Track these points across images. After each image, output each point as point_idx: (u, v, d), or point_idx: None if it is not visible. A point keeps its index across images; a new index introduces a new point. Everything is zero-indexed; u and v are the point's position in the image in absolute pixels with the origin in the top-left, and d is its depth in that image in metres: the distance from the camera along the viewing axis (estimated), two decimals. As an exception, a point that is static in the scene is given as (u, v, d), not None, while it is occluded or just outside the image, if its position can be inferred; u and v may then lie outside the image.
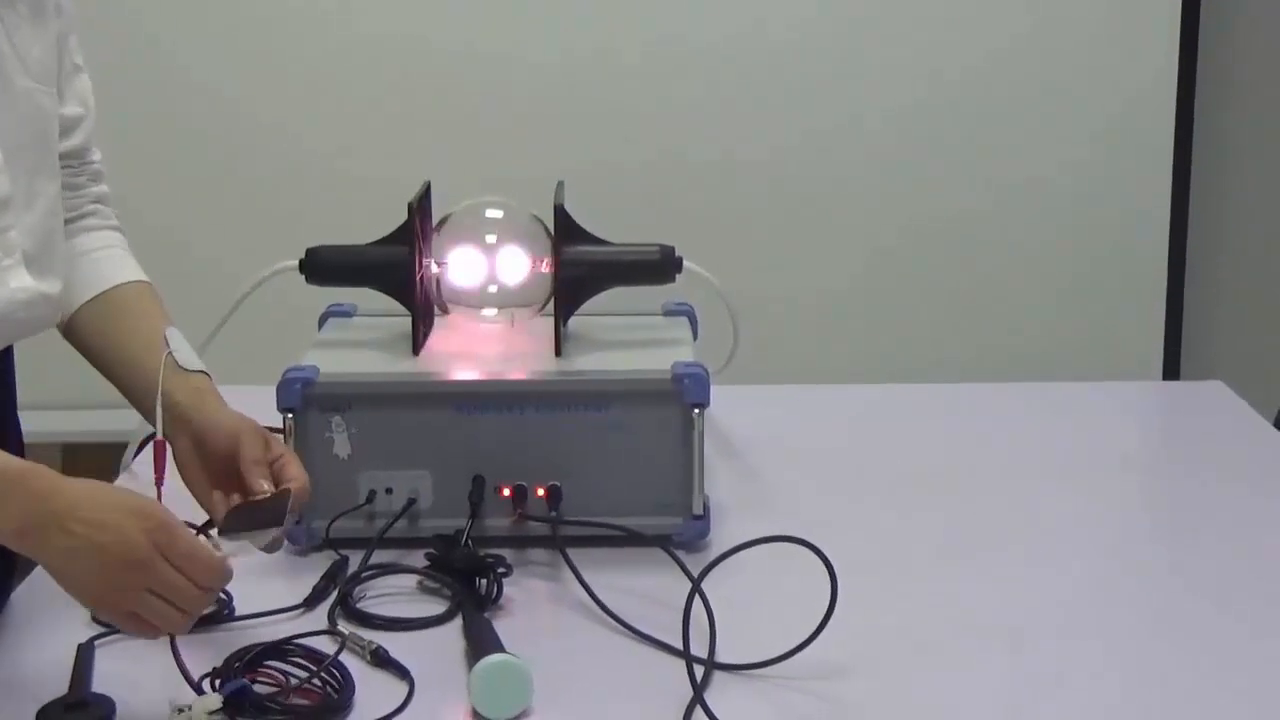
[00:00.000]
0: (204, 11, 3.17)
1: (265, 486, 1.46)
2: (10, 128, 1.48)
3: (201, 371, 1.56)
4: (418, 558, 1.64)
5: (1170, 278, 3.30)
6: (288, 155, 3.21)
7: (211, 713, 1.31)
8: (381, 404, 1.69)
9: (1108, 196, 3.27)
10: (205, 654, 1.42)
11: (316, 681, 1.38)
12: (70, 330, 1.62)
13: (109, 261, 1.65)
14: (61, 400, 2.74)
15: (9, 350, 1.66)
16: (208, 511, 1.49)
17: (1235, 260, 3.40)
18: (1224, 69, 3.32)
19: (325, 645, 1.45)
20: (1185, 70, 3.24)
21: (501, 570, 1.59)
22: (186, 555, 1.29)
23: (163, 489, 1.43)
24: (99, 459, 2.08)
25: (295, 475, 1.48)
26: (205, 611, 1.51)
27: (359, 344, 1.83)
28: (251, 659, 1.41)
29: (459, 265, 1.81)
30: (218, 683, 1.35)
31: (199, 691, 1.34)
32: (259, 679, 1.38)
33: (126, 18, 3.10)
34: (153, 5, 3.16)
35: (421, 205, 1.81)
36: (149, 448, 1.53)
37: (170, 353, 1.54)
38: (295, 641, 1.44)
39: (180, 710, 1.31)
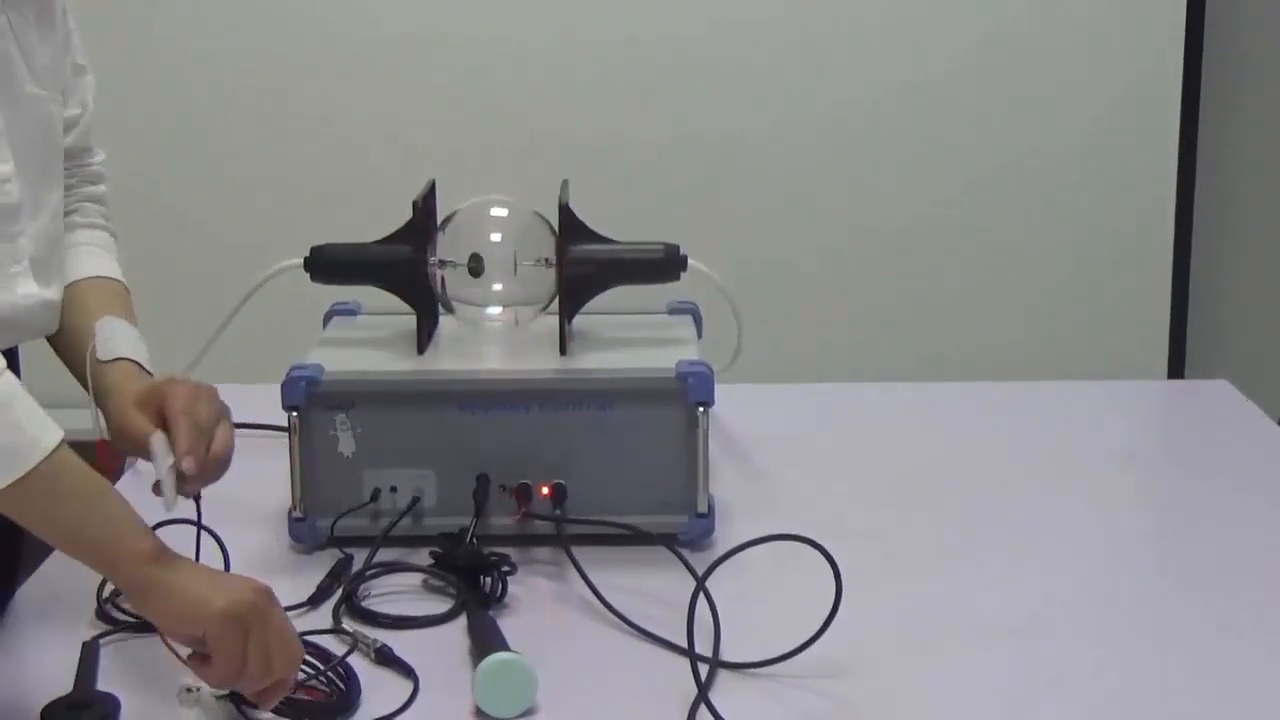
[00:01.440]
0: (208, 11, 3.17)
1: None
2: (20, 136, 1.48)
3: (125, 359, 1.52)
4: (422, 556, 1.64)
5: (1175, 276, 3.30)
6: (292, 154, 3.21)
7: (219, 696, 1.32)
8: (386, 402, 1.69)
9: (1113, 195, 3.27)
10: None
11: (321, 681, 1.38)
12: None
13: (72, 258, 1.62)
14: (64, 399, 2.73)
15: (14, 350, 1.66)
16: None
17: (1240, 258, 3.41)
18: (1230, 67, 3.32)
19: (330, 643, 1.45)
20: (1190, 67, 3.24)
21: (506, 569, 1.59)
22: (289, 625, 1.32)
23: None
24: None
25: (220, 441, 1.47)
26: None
27: (363, 342, 1.83)
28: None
29: (463, 263, 1.81)
30: None
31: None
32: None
33: (130, 16, 3.11)
34: (157, 5, 3.17)
35: (426, 203, 1.81)
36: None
37: (93, 345, 1.52)
38: (301, 639, 1.44)
39: (189, 690, 1.32)
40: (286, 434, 1.68)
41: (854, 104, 3.23)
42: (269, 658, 1.28)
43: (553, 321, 1.80)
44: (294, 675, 1.32)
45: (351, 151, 3.20)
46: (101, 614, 1.52)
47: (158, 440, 1.31)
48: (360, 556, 1.64)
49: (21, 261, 1.49)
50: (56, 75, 1.55)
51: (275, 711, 1.34)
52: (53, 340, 1.59)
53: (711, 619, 1.46)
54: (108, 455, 1.49)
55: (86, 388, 1.52)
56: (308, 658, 1.41)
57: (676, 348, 1.79)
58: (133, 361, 1.53)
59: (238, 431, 1.94)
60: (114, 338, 1.53)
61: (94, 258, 1.65)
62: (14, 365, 1.69)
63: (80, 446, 1.73)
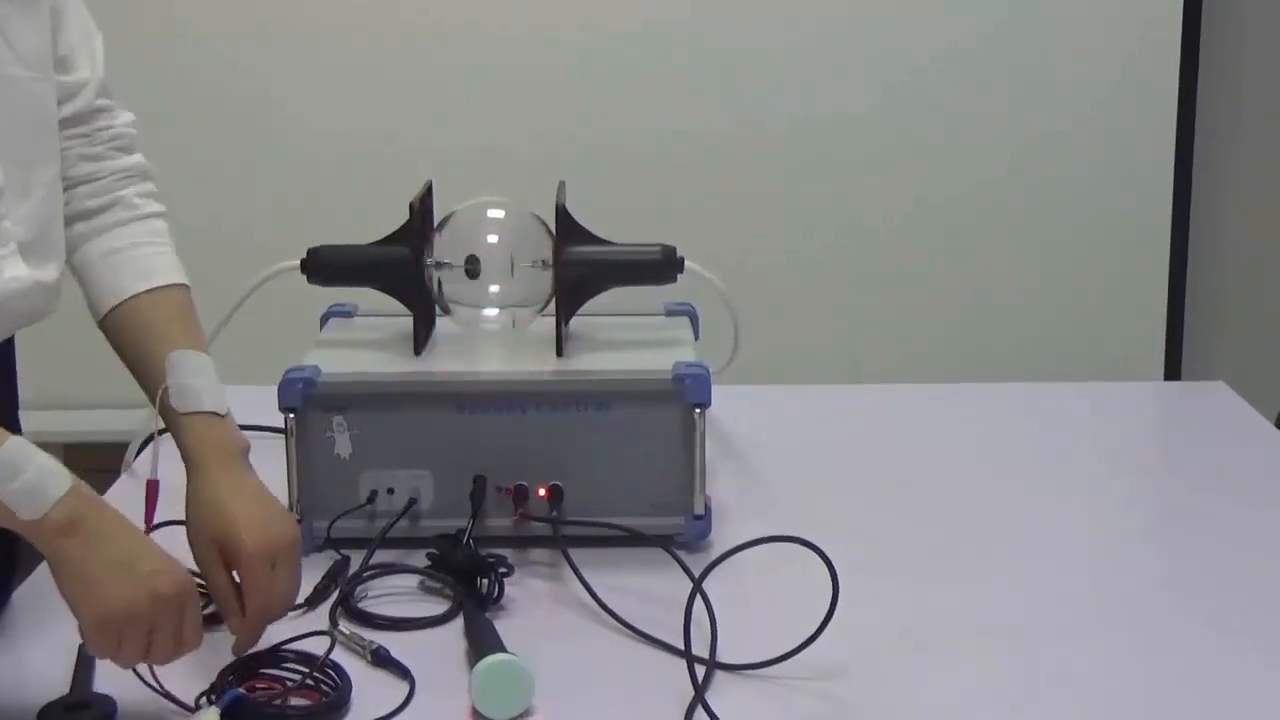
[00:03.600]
0: (204, 11, 3.17)
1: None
2: (3, 117, 1.47)
3: (201, 414, 1.48)
4: (419, 558, 1.64)
5: (1172, 278, 3.30)
6: (289, 155, 3.21)
7: None
8: (383, 404, 1.69)
9: (1109, 196, 3.27)
10: (207, 653, 1.41)
11: (312, 682, 1.38)
12: (106, 334, 1.59)
13: (124, 267, 1.58)
14: (64, 400, 2.74)
15: (11, 349, 1.66)
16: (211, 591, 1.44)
17: (1237, 260, 3.41)
18: (1227, 68, 3.32)
19: (325, 646, 1.44)
20: (1187, 68, 3.24)
21: (503, 570, 1.59)
22: (194, 624, 1.32)
23: (150, 531, 1.42)
24: (101, 458, 2.08)
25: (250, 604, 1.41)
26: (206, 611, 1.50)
27: (360, 344, 1.83)
28: (245, 669, 1.40)
29: (460, 265, 1.81)
30: (213, 696, 1.34)
31: (194, 709, 1.34)
32: (257, 686, 1.38)
33: (125, 17, 3.10)
34: (152, 5, 3.16)
35: (423, 205, 1.81)
36: (150, 447, 1.51)
37: (164, 388, 1.49)
38: (286, 648, 1.43)
39: None
40: (283, 435, 1.68)
41: (851, 106, 3.22)
42: (146, 653, 1.30)
43: (550, 323, 1.80)
44: (179, 658, 1.32)
45: (348, 153, 3.20)
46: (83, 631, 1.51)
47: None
48: (357, 558, 1.64)
49: (8, 244, 1.47)
50: (43, 56, 1.53)
51: (265, 716, 1.34)
52: (123, 358, 1.56)
53: (708, 620, 1.46)
54: (155, 494, 1.49)
55: (162, 423, 1.50)
56: (294, 664, 1.41)
57: (673, 349, 1.79)
58: (210, 414, 1.49)
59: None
60: (187, 384, 1.49)
61: (149, 260, 1.59)
62: (10, 359, 1.69)
63: (101, 447, 1.70)
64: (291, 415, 1.67)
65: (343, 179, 3.19)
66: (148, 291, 1.57)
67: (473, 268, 1.80)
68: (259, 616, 1.41)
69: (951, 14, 3.20)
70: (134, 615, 1.27)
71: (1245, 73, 3.34)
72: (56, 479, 1.28)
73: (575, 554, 1.61)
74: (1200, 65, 3.26)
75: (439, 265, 1.80)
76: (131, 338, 1.55)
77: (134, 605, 1.27)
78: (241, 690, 1.34)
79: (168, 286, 1.58)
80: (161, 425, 1.50)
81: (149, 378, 1.52)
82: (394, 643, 1.47)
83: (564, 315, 1.79)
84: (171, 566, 1.31)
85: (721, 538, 1.68)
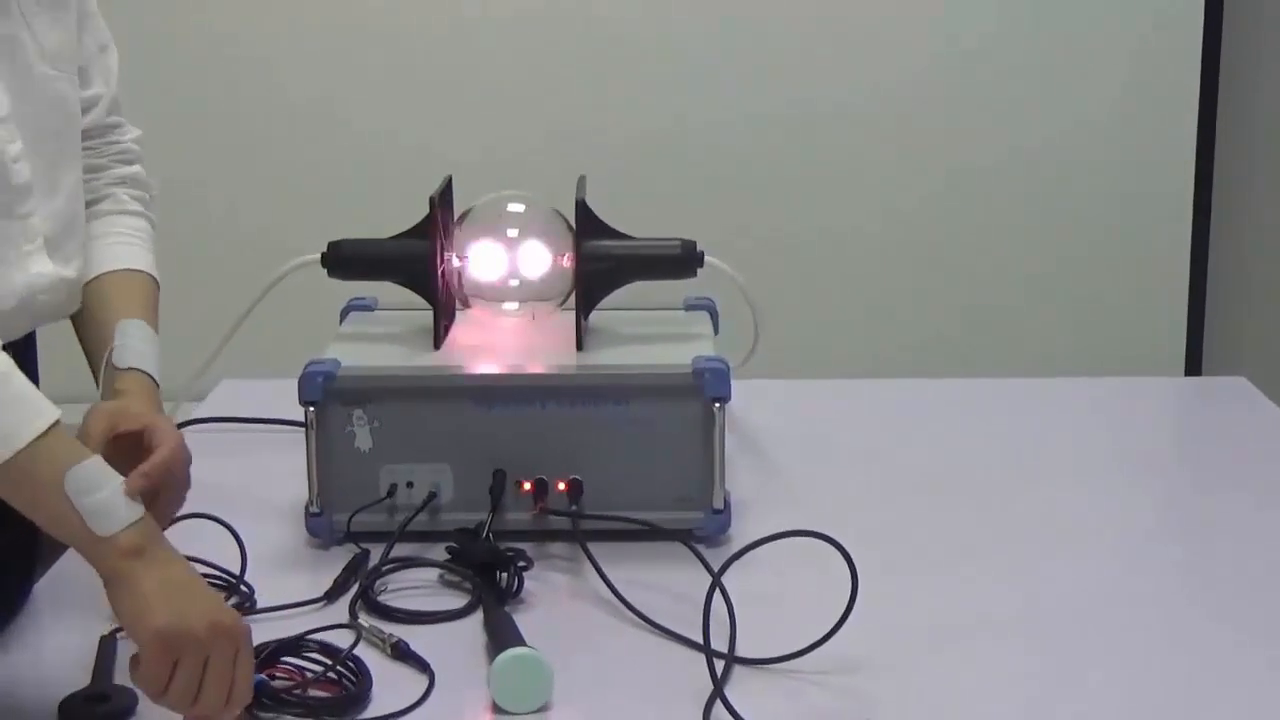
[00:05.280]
0: (226, 8, 3.17)
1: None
2: (30, 115, 1.48)
3: (136, 370, 1.51)
4: (439, 551, 1.64)
5: (1193, 272, 3.30)
6: (310, 149, 3.22)
7: None
8: (403, 397, 1.69)
9: (1130, 190, 3.26)
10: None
11: (333, 675, 1.39)
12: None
13: (100, 251, 1.61)
14: (83, 393, 2.74)
15: (32, 345, 1.67)
16: None
17: (1259, 254, 3.39)
18: (1248, 60, 3.31)
19: (344, 639, 1.45)
20: (1209, 61, 3.23)
21: (522, 564, 1.60)
22: (247, 672, 1.30)
23: None
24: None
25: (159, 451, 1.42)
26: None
27: (380, 338, 1.83)
28: (267, 656, 1.40)
29: (480, 259, 1.81)
30: None
31: None
32: (277, 675, 1.38)
33: (145, 14, 3.11)
34: (178, 4, 3.17)
35: (443, 199, 1.81)
36: None
37: (110, 350, 1.51)
38: (310, 637, 1.44)
39: None
40: (303, 429, 1.69)
41: (873, 98, 3.22)
42: (197, 693, 1.27)
43: (569, 317, 1.80)
44: (229, 716, 1.29)
45: (369, 147, 3.21)
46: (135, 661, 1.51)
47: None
48: (377, 551, 1.64)
49: (34, 240, 1.49)
50: (69, 55, 1.54)
51: (287, 709, 1.34)
52: (77, 330, 1.59)
53: (727, 615, 1.46)
54: None
55: (98, 386, 1.52)
56: (316, 655, 1.42)
57: (693, 343, 1.79)
58: (143, 373, 1.52)
59: (256, 426, 1.98)
60: (130, 346, 1.52)
61: (124, 248, 1.63)
62: (31, 356, 1.70)
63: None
64: (312, 409, 1.68)
65: (363, 175, 3.19)
66: (111, 272, 1.60)
67: (492, 262, 1.80)
68: (174, 455, 1.41)
69: (978, 6, 3.19)
70: (191, 635, 1.26)
71: (1267, 66, 3.33)
72: (131, 505, 1.29)
73: (594, 548, 1.61)
74: (1222, 58, 3.25)
75: (459, 259, 1.80)
76: (89, 310, 1.57)
77: (192, 625, 1.26)
78: (263, 676, 1.35)
79: (133, 270, 1.61)
80: (182, 418, 1.51)
81: (99, 346, 1.54)
82: (413, 636, 1.47)
83: (584, 310, 1.79)
84: (229, 607, 1.34)
85: (741, 532, 1.68)
